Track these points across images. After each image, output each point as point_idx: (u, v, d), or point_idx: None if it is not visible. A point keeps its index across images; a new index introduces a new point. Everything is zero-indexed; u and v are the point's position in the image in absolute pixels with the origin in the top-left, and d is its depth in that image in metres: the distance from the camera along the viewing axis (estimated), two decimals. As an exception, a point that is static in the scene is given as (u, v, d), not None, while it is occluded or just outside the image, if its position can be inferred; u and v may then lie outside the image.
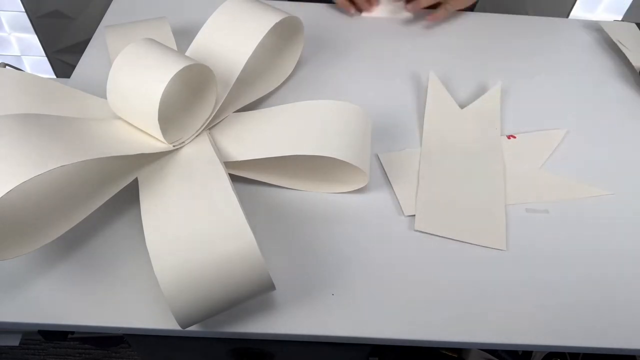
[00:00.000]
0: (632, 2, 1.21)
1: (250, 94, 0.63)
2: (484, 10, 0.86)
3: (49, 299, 0.46)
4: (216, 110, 0.56)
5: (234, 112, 0.59)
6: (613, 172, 0.61)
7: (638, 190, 0.60)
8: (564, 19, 0.88)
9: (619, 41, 0.78)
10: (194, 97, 0.56)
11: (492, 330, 0.47)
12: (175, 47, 0.65)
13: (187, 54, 0.59)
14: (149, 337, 0.48)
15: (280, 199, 0.56)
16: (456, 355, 0.91)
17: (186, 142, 0.54)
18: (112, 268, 0.48)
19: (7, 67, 0.55)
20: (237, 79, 0.57)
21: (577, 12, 1.21)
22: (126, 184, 0.49)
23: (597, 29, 0.83)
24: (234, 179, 0.53)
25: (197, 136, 0.54)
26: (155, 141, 0.52)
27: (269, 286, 0.43)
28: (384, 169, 0.59)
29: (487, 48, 0.78)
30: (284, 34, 0.68)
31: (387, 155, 0.60)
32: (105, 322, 0.45)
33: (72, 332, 0.99)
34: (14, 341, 0.72)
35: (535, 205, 0.57)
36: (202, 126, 0.55)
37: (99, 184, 0.49)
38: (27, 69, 1.38)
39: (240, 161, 0.53)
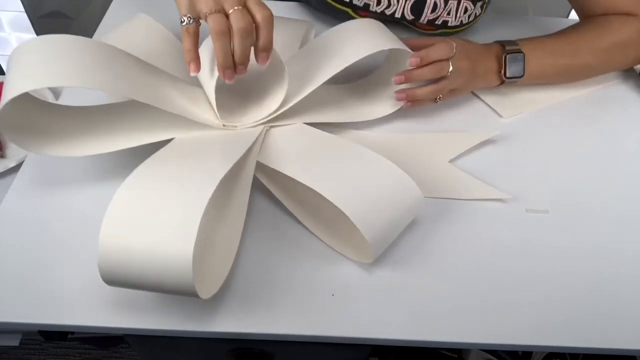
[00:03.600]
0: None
1: (335, 113, 0.61)
2: (484, 10, 0.86)
3: (49, 299, 0.46)
4: (280, 112, 0.55)
5: (306, 123, 0.57)
6: (613, 172, 0.61)
7: (639, 189, 0.60)
8: (564, 19, 0.88)
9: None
10: (264, 88, 0.56)
11: (492, 330, 0.47)
12: (296, 46, 0.66)
13: (300, 48, 0.60)
14: (149, 337, 0.48)
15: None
16: (456, 356, 0.91)
17: (238, 128, 0.55)
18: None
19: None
20: (323, 97, 0.56)
21: (577, 12, 1.21)
22: (163, 139, 0.51)
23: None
24: (260, 183, 0.54)
25: (251, 127, 0.55)
26: (211, 116, 0.54)
27: (192, 294, 0.41)
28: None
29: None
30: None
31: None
32: (105, 322, 0.45)
33: (72, 332, 0.99)
34: (14, 341, 0.72)
35: (535, 205, 0.57)
36: (260, 120, 0.55)
37: (140, 125, 0.52)
38: (27, 69, 1.38)
39: (273, 169, 0.52)
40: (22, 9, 1.21)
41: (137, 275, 0.40)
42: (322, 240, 0.51)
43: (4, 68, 1.36)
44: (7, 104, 0.44)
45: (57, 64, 0.45)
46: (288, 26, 0.67)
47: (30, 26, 1.25)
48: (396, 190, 0.49)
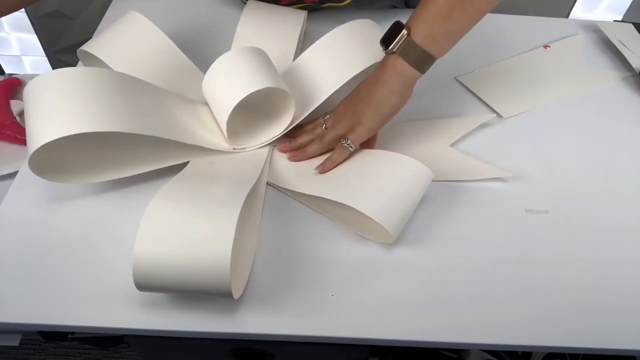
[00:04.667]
0: (632, 2, 1.21)
1: None
2: (484, 10, 0.85)
3: (49, 299, 0.46)
4: (286, 131, 0.58)
5: None
6: (613, 172, 0.61)
7: (638, 190, 0.60)
8: (564, 19, 0.88)
9: (619, 41, 0.78)
10: (271, 112, 0.59)
11: (492, 331, 0.47)
12: (296, 36, 0.69)
13: (294, 61, 0.61)
14: (149, 337, 0.48)
15: (285, 200, 0.56)
16: (456, 356, 0.91)
17: (247, 149, 0.58)
18: (112, 268, 0.48)
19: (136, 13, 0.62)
20: (321, 108, 0.58)
21: (577, 12, 1.21)
22: (178, 163, 0.54)
23: (595, 29, 0.83)
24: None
25: (259, 148, 0.58)
26: (220, 140, 0.57)
27: (228, 295, 0.43)
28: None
29: (486, 48, 0.78)
30: None
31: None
32: (105, 322, 0.45)
33: (72, 332, 0.99)
34: (14, 341, 0.72)
35: (534, 206, 0.57)
36: (267, 141, 0.58)
37: (158, 150, 0.54)
38: (27, 69, 1.37)
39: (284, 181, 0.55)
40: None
41: (174, 280, 0.42)
42: (339, 225, 0.53)
43: (4, 68, 1.36)
44: (36, 151, 0.45)
45: (77, 107, 0.47)
46: (288, 16, 0.71)
47: (30, 26, 1.25)
48: (405, 176, 0.52)
